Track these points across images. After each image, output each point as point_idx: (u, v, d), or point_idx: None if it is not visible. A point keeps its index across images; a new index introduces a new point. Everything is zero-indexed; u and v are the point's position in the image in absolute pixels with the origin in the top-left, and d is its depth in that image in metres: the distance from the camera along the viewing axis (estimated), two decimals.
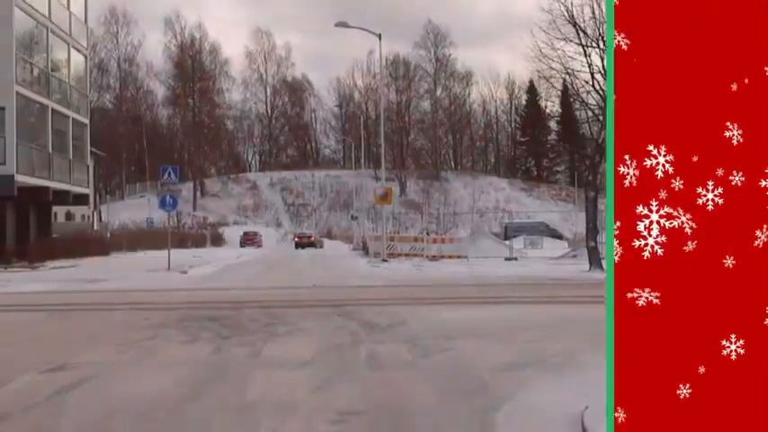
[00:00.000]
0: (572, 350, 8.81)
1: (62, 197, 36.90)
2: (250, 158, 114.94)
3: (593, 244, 25.24)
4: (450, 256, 36.23)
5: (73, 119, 37.97)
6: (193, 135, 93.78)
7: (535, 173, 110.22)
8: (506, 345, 9.50)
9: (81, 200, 40.55)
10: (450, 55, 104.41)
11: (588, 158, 26.39)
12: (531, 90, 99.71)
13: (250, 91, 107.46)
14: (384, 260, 34.41)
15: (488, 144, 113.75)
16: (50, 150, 34.93)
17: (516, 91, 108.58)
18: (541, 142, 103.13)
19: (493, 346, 9.53)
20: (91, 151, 54.82)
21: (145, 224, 64.44)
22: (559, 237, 56.46)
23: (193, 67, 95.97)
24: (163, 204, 29.78)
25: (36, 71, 34.24)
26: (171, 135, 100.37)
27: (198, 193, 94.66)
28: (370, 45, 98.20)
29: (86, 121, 41.15)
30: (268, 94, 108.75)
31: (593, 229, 25.30)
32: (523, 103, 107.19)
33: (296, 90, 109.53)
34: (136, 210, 73.49)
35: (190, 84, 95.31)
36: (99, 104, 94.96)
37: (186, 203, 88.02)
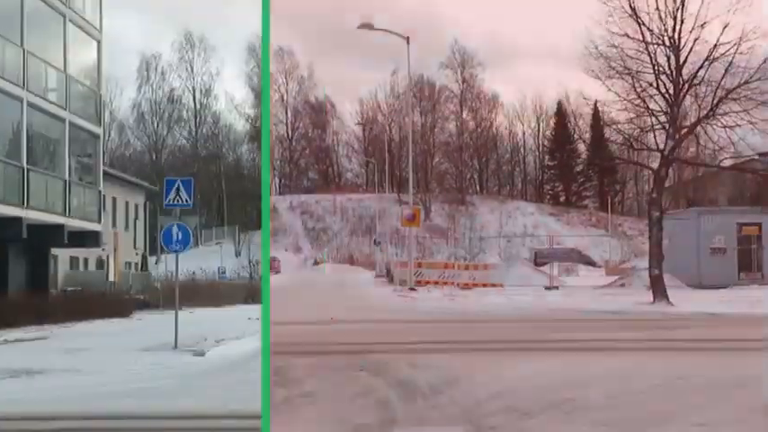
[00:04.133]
0: None
1: (48, 234, 26.11)
2: None
3: (656, 272, 21.55)
4: (484, 285, 33.06)
5: (71, 123, 27.43)
6: None
7: (563, 197, 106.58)
8: (622, 429, 6.07)
9: (85, 239, 28.99)
10: (477, 76, 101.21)
11: (653, 173, 22.61)
12: (560, 112, 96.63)
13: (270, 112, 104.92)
14: (412, 288, 31.22)
15: (515, 168, 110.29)
16: (24, 164, 24.20)
17: (545, 113, 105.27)
18: (571, 165, 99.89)
19: (600, 430, 6.11)
20: (140, 184, 47.40)
21: (216, 275, 55.32)
22: (592, 263, 54.09)
23: None
24: (167, 240, 16.77)
25: (8, 51, 23.84)
26: None
27: None
28: (393, 65, 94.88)
29: (98, 130, 30.15)
30: (289, 115, 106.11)
31: (657, 255, 21.58)
32: (551, 125, 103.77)
33: (318, 112, 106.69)
34: (208, 258, 64.03)
35: None
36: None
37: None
